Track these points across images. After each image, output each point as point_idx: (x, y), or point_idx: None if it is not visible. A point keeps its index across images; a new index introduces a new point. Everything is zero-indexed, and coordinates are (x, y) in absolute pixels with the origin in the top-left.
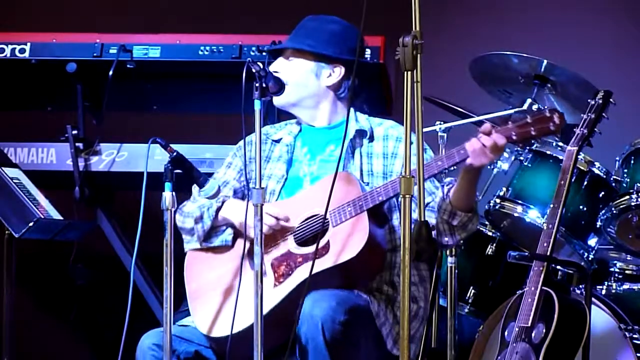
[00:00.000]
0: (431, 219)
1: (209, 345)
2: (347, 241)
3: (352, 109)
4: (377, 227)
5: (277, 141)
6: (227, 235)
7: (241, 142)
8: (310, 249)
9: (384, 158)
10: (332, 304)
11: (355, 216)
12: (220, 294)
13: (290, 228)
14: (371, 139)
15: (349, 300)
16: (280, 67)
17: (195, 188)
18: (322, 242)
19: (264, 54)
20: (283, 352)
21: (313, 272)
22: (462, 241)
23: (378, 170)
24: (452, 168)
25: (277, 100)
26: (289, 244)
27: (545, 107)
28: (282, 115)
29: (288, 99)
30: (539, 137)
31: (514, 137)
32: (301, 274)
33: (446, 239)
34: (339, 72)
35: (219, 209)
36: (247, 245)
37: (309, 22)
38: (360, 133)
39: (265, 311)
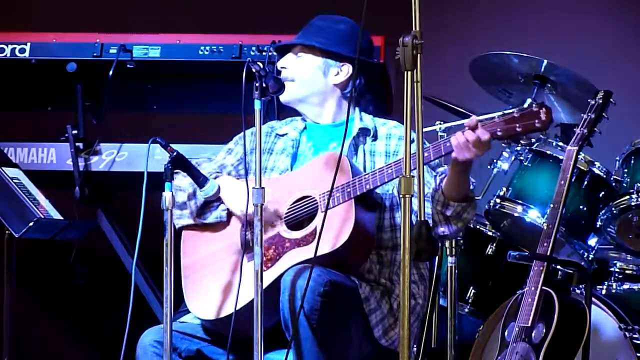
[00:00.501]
0: (427, 208)
1: (206, 331)
2: (333, 230)
3: (357, 109)
4: (365, 212)
5: (282, 135)
6: (221, 211)
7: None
8: (299, 234)
9: (386, 156)
10: (312, 275)
11: (342, 203)
12: (214, 274)
13: (282, 206)
14: (375, 137)
15: (332, 275)
16: (289, 63)
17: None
18: (310, 228)
19: (264, 53)
20: (271, 334)
21: (299, 260)
22: (460, 231)
23: None
24: (438, 159)
25: (284, 97)
26: (279, 226)
27: (536, 102)
28: (282, 114)
29: (295, 95)
30: (524, 134)
31: (499, 133)
32: (289, 260)
33: (442, 229)
34: (346, 70)
35: None
36: (243, 224)
37: (318, 22)
38: (364, 131)
39: (251, 296)
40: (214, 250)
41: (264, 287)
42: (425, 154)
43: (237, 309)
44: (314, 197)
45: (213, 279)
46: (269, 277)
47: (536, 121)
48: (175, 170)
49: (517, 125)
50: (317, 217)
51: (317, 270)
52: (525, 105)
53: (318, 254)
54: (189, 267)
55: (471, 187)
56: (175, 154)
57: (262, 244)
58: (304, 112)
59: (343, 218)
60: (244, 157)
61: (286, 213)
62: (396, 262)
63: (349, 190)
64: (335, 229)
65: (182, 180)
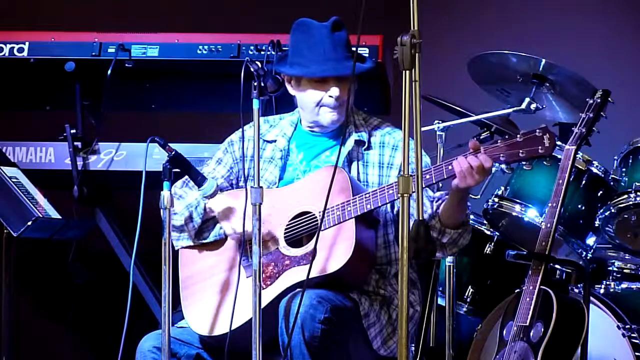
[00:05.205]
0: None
1: (203, 346)
2: (333, 250)
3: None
4: (366, 231)
5: (269, 142)
6: (219, 228)
7: (230, 137)
8: (299, 251)
9: (379, 168)
10: (313, 302)
11: (342, 222)
12: (212, 289)
13: (281, 221)
14: (368, 147)
15: (332, 299)
16: (338, 93)
17: (175, 186)
18: (311, 246)
19: (262, 52)
20: (268, 353)
21: (299, 280)
22: (454, 255)
23: (374, 181)
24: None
25: (335, 124)
26: (278, 242)
27: (540, 126)
28: (281, 112)
29: (340, 119)
30: (527, 159)
31: (502, 159)
32: (288, 278)
33: (438, 254)
34: None
35: (206, 204)
36: (239, 245)
37: (326, 40)
38: (358, 143)
39: (249, 315)
40: (211, 263)
41: (262, 306)
42: (427, 176)
43: (234, 326)
44: (314, 214)
45: (210, 293)
46: (268, 295)
47: (539, 147)
48: (175, 170)
49: (521, 151)
50: (316, 235)
51: (317, 296)
52: (524, 106)
53: (319, 274)
54: (187, 279)
55: (467, 211)
56: (173, 153)
57: (260, 243)
58: (311, 121)
59: (343, 239)
60: (242, 158)
61: (286, 229)
62: (389, 275)
63: (349, 209)
64: (336, 249)
65: (178, 204)
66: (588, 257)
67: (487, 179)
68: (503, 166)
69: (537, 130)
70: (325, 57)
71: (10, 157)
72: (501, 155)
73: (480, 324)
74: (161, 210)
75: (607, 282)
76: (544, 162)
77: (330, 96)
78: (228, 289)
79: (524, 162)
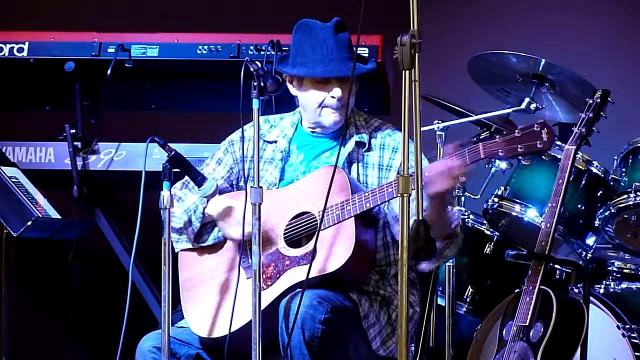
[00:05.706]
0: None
1: (203, 347)
2: (333, 249)
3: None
4: (365, 230)
5: (270, 142)
6: (218, 231)
7: (230, 137)
8: (299, 251)
9: (379, 169)
10: (313, 302)
11: (342, 222)
12: (212, 290)
13: (280, 221)
14: (368, 148)
15: (332, 299)
16: (340, 94)
17: (175, 188)
18: (311, 246)
19: (262, 52)
20: (268, 353)
21: (298, 280)
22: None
23: (373, 182)
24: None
25: (337, 125)
26: (278, 243)
27: (538, 121)
28: (280, 112)
29: (342, 120)
30: (526, 154)
31: (501, 154)
32: (288, 279)
33: (422, 265)
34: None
35: (204, 208)
36: (239, 247)
37: (329, 40)
38: (359, 144)
39: (249, 316)
40: (211, 265)
41: (263, 307)
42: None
43: (235, 328)
44: (313, 214)
45: (211, 295)
46: (269, 296)
47: (538, 142)
48: (175, 170)
49: (519, 145)
50: (315, 235)
51: (317, 296)
52: (523, 106)
53: (319, 274)
54: (187, 281)
55: (454, 224)
56: (173, 153)
57: (260, 243)
58: (312, 122)
59: (343, 238)
60: (242, 159)
61: (285, 229)
62: (389, 276)
63: (348, 208)
64: (336, 249)
65: (178, 207)
66: (588, 257)
67: (487, 179)
68: (504, 165)
69: (535, 125)
70: (328, 58)
71: (10, 157)
72: (500, 150)
73: (480, 324)
74: (161, 211)
75: (607, 282)
76: (543, 157)
77: (332, 97)
78: (228, 290)
79: (522, 157)
